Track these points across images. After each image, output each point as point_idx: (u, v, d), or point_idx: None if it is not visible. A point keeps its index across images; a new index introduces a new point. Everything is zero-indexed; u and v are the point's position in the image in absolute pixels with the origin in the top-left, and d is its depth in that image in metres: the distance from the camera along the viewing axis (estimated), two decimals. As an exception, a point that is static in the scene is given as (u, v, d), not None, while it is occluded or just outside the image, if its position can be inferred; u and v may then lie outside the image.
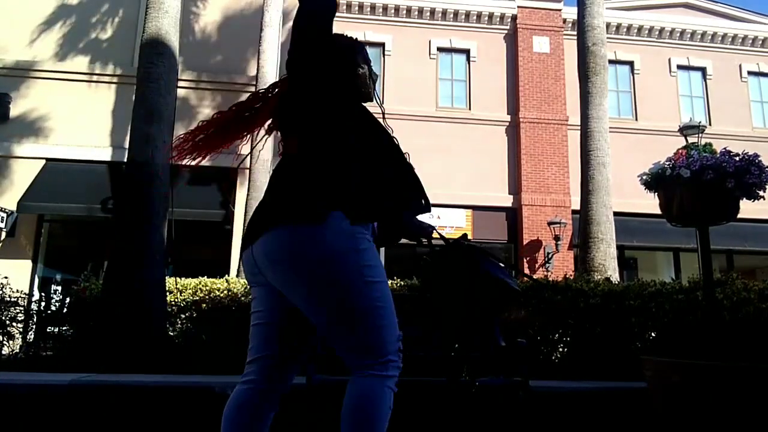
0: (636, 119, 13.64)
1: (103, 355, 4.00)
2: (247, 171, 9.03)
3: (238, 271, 8.15)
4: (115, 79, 10.95)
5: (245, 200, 8.63)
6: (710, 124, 13.38)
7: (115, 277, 4.44)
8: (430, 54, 13.32)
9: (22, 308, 5.38)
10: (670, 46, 14.15)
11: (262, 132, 1.83)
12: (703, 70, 14.20)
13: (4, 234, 9.98)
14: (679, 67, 14.14)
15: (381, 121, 1.74)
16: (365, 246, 1.48)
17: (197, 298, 4.76)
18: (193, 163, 1.84)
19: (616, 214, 7.24)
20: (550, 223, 12.14)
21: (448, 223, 12.36)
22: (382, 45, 13.19)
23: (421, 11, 13.36)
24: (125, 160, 4.91)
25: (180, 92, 9.29)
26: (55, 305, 8.68)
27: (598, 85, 7.32)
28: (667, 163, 2.95)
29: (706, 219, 2.95)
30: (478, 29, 13.56)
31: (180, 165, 10.56)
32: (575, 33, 8.21)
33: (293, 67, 1.62)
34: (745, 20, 14.48)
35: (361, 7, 13.14)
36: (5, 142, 10.43)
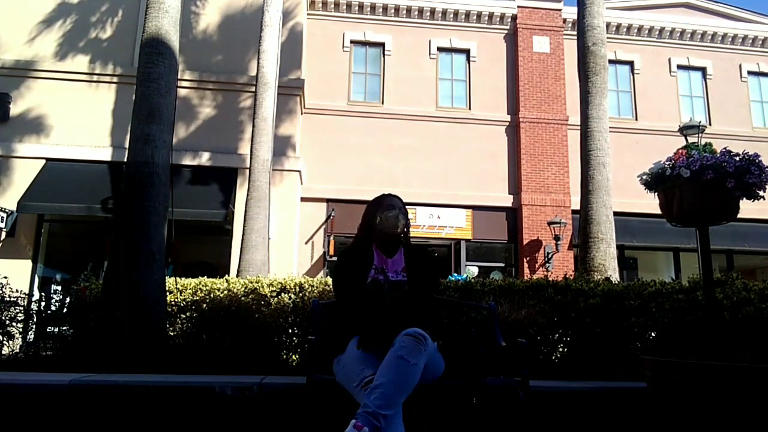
0: (636, 119, 13.64)
1: (103, 355, 4.00)
2: (247, 171, 9.03)
3: (239, 271, 8.14)
4: (115, 79, 10.95)
5: (245, 200, 8.62)
6: (710, 124, 13.39)
7: (115, 277, 4.43)
8: (430, 54, 13.32)
9: (22, 308, 5.38)
10: (670, 46, 14.15)
11: None
12: (703, 70, 14.21)
13: (4, 234, 9.98)
14: (679, 67, 14.14)
15: None
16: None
17: (197, 298, 4.75)
18: None
19: (616, 214, 7.23)
20: (550, 223, 12.15)
21: (448, 223, 12.37)
22: (382, 45, 13.20)
23: (421, 11, 13.36)
24: (125, 160, 4.90)
25: (180, 92, 9.31)
26: (55, 305, 8.69)
27: (598, 85, 7.32)
28: (667, 162, 2.95)
29: (706, 219, 2.95)
30: (478, 29, 13.57)
31: (180, 165, 10.53)
32: (575, 33, 8.21)
33: None
34: (745, 20, 14.48)
35: (361, 7, 13.14)
36: (5, 142, 10.44)
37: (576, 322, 4.41)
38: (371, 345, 2.40)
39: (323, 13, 13.05)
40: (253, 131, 8.82)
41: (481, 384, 2.59)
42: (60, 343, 4.84)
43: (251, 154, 8.72)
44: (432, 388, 2.47)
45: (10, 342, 5.17)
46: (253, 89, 9.40)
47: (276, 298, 4.61)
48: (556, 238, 12.07)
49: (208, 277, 5.13)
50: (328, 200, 12.14)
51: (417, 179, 12.19)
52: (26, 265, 10.14)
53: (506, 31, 13.65)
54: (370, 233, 2.90)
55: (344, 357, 2.48)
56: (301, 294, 4.66)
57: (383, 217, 2.84)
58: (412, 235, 2.99)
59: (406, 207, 2.98)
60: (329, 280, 4.95)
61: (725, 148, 2.84)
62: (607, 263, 6.67)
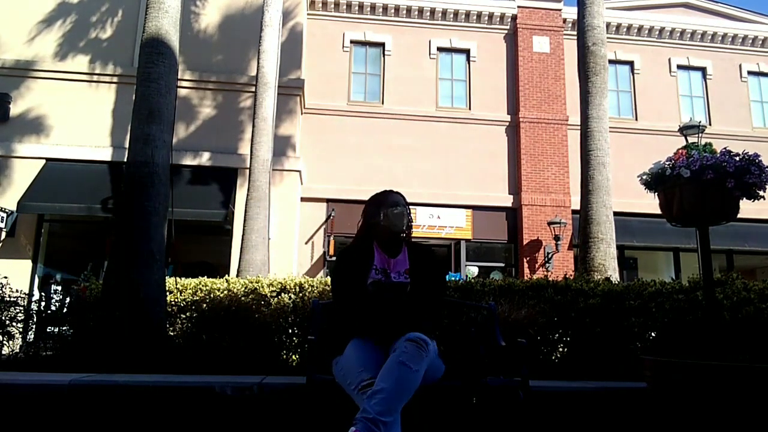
0: (636, 119, 13.64)
1: (103, 355, 4.00)
2: (247, 171, 9.03)
3: (239, 271, 8.14)
4: (115, 79, 10.95)
5: (245, 200, 8.62)
6: (710, 124, 13.39)
7: (115, 277, 4.43)
8: (430, 54, 13.32)
9: (22, 308, 5.38)
10: (670, 46, 14.15)
11: None
12: (703, 70, 14.21)
13: (4, 234, 9.98)
14: (679, 67, 14.14)
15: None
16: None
17: (197, 298, 4.75)
18: None
19: (616, 214, 7.24)
20: (550, 223, 12.15)
21: (448, 223, 12.37)
22: (382, 45, 13.20)
23: (421, 11, 13.36)
24: (125, 160, 4.90)
25: (180, 92, 9.30)
26: (55, 305, 8.70)
27: (598, 85, 7.32)
28: (667, 162, 2.95)
29: (706, 219, 2.95)
30: (478, 29, 13.57)
31: (180, 165, 10.52)
32: (575, 33, 8.21)
33: None
34: (745, 20, 14.48)
35: (361, 7, 13.14)
36: (5, 142, 10.44)
37: (576, 322, 4.41)
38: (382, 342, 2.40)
39: (323, 13, 13.05)
40: (253, 131, 8.83)
41: (481, 384, 2.59)
42: (60, 343, 4.84)
43: (251, 154, 8.72)
44: (432, 388, 2.47)
45: (10, 342, 5.17)
46: (253, 89, 9.40)
47: (276, 298, 4.61)
48: (556, 238, 12.07)
49: (208, 277, 5.13)
50: (328, 200, 12.14)
51: (417, 179, 12.19)
52: (26, 265, 10.14)
53: (506, 31, 13.65)
54: (371, 232, 2.81)
55: (342, 359, 2.47)
56: (301, 294, 4.66)
57: (389, 213, 2.75)
58: (412, 235, 2.95)
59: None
60: (329, 280, 4.95)
61: (725, 148, 2.84)
62: (607, 263, 6.67)
